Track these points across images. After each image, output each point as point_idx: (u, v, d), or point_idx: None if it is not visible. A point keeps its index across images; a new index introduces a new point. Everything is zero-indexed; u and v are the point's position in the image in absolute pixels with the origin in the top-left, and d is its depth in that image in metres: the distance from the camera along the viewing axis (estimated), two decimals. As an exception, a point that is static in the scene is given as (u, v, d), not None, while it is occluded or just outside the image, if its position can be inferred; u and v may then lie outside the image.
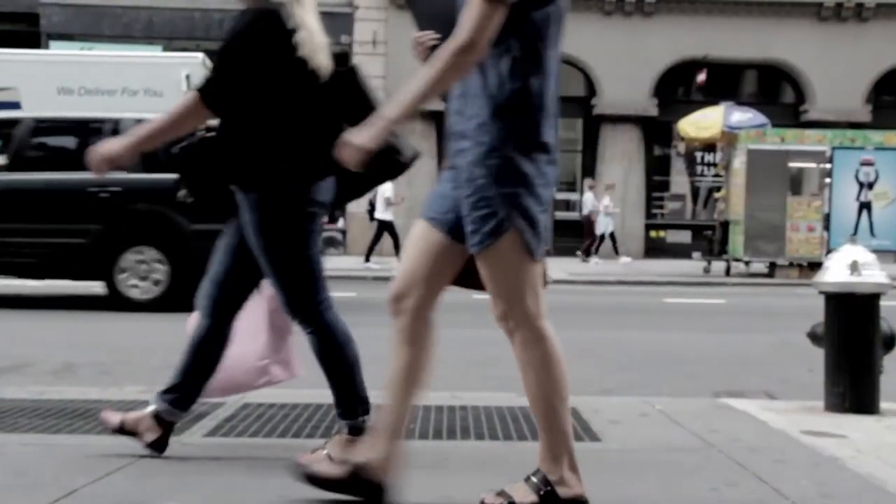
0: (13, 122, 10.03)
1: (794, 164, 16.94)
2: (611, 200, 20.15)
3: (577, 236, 22.17)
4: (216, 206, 3.40)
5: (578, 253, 20.05)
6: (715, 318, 9.90)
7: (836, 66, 22.12)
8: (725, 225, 17.20)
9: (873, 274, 4.28)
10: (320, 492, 2.83)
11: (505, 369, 6.18)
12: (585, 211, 20.43)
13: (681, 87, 23.33)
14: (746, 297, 12.29)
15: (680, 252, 21.89)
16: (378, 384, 5.21)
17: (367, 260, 17.18)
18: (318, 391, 4.84)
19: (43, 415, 4.03)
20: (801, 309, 10.24)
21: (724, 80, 22.51)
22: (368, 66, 22.64)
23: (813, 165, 17.15)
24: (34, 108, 14.56)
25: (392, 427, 2.77)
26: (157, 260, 9.38)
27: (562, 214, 22.41)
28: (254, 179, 3.21)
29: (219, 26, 22.72)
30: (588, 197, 20.45)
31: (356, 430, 3.27)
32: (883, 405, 4.30)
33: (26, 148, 9.82)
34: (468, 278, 2.79)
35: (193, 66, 14.84)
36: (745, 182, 16.36)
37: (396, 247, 16.90)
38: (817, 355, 4.43)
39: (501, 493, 2.73)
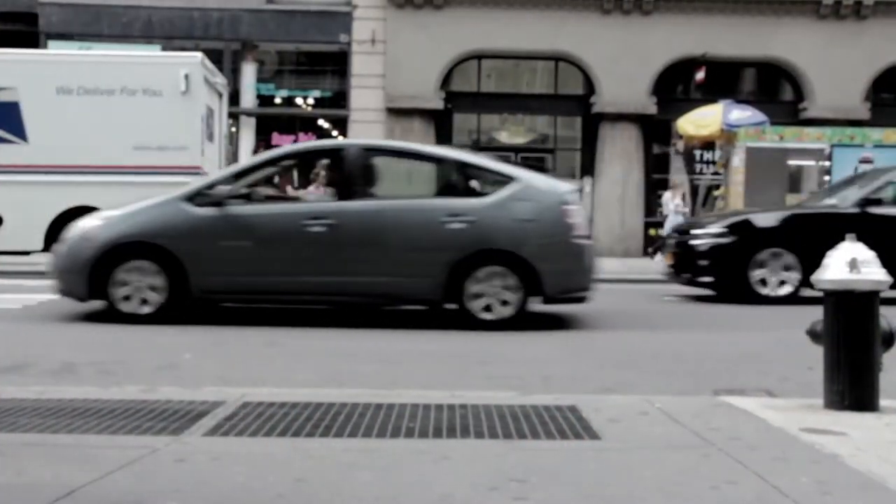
0: None
1: (793, 162, 16.94)
2: (681, 199, 20.24)
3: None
4: None
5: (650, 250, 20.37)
6: (714, 316, 9.90)
7: (834, 64, 22.13)
8: (725, 223, 17.20)
9: (872, 271, 4.28)
10: (324, 492, 2.82)
11: (505, 368, 6.20)
12: (666, 211, 20.42)
13: (680, 85, 23.33)
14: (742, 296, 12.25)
15: (679, 250, 21.91)
16: (378, 384, 5.22)
17: None
18: (318, 391, 4.86)
19: (43, 415, 4.03)
20: (800, 306, 10.23)
21: (722, 78, 22.51)
22: (367, 65, 22.64)
23: (812, 163, 17.14)
24: (33, 107, 14.60)
25: None
26: None
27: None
28: None
29: (217, 25, 22.72)
30: (667, 196, 20.46)
31: None
32: (882, 402, 4.30)
33: None
34: None
35: (192, 65, 14.85)
36: (745, 180, 16.37)
37: None
38: (817, 353, 4.43)
39: None
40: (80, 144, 14.27)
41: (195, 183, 8.96)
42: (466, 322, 8.08)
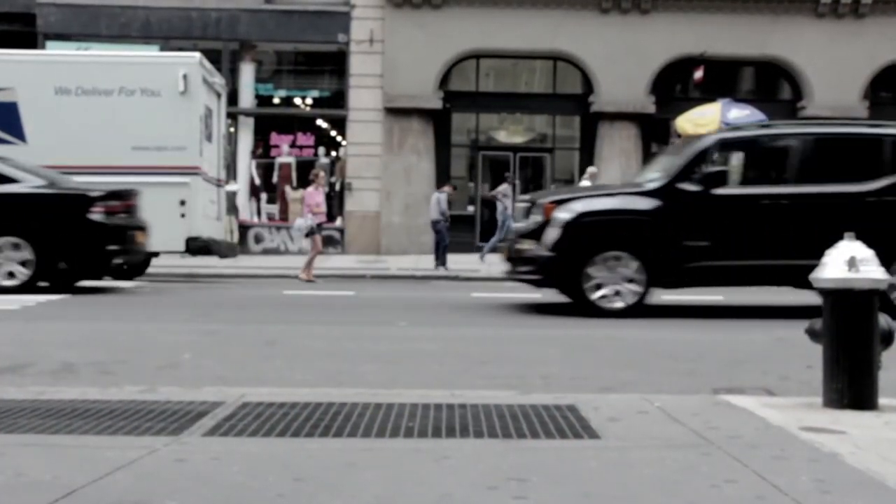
0: None
1: (791, 161, 16.91)
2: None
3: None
4: None
5: None
6: (714, 315, 9.90)
7: (833, 63, 22.15)
8: (724, 222, 17.19)
9: (871, 270, 4.28)
10: (323, 492, 2.83)
11: (505, 367, 6.20)
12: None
13: (678, 83, 23.34)
14: (745, 294, 12.27)
15: (678, 249, 21.91)
16: (378, 383, 5.22)
17: None
18: (317, 390, 4.86)
19: (43, 415, 4.03)
20: (799, 305, 10.24)
21: (721, 77, 22.53)
22: (366, 64, 22.63)
23: (810, 162, 17.13)
24: (31, 108, 14.60)
25: None
26: None
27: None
28: None
29: (216, 25, 22.72)
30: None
31: None
32: (881, 401, 4.30)
33: None
34: None
35: (190, 65, 14.85)
36: (743, 179, 16.35)
37: None
38: (816, 351, 4.43)
39: None
40: (78, 145, 14.27)
41: None
42: None
